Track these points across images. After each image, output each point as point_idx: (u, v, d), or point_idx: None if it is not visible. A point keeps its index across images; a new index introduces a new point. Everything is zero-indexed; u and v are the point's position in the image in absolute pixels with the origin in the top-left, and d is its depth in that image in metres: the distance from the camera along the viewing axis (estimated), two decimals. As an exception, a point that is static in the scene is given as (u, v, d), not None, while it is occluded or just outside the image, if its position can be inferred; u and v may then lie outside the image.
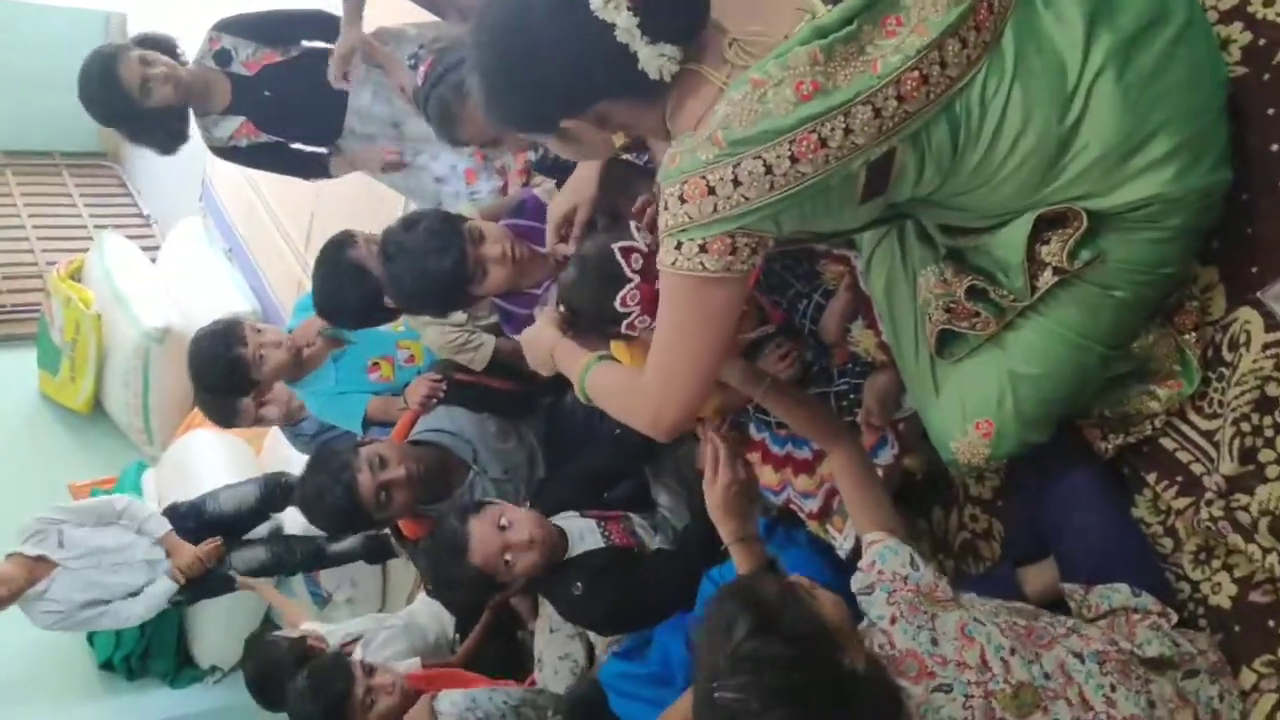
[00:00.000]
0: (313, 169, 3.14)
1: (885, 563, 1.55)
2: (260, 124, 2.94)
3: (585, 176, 1.97)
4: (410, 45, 2.81)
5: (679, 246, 1.35)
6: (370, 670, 2.71)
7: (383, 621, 3.26)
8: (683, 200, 1.32)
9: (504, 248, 2.23)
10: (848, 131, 1.28)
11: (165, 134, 2.88)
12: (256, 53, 2.91)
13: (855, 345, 1.98)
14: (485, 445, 2.78)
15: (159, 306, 5.10)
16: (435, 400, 2.80)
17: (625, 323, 1.77)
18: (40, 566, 3.53)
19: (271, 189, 5.05)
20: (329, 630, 3.23)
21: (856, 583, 1.57)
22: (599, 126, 1.41)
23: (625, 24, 1.28)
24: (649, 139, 1.44)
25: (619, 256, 1.76)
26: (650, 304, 1.76)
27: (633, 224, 1.84)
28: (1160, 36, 1.36)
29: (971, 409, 1.60)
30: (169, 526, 3.67)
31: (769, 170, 1.28)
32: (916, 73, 1.28)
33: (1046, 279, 1.46)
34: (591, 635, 2.67)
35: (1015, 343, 1.55)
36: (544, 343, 1.82)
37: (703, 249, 1.34)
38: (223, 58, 2.87)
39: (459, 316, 2.68)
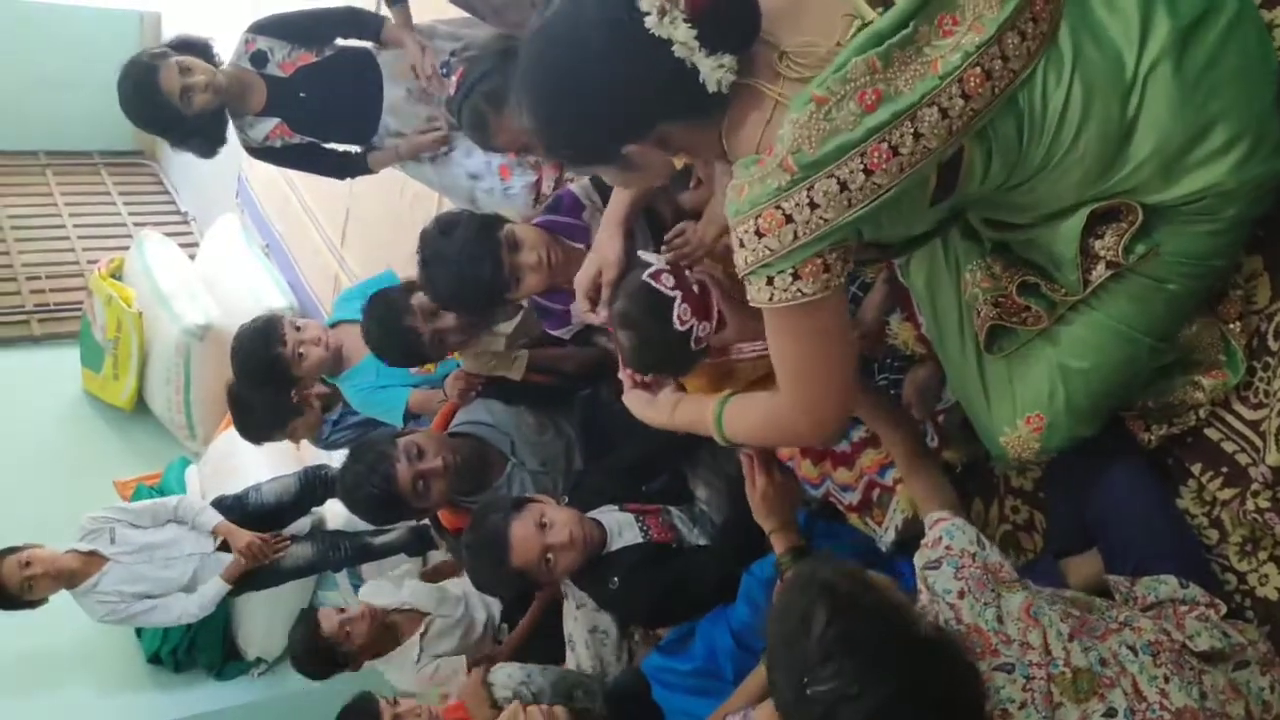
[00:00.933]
0: (347, 169, 3.16)
1: (952, 539, 1.55)
2: (295, 125, 2.96)
3: (606, 238, 1.96)
4: (442, 42, 2.82)
5: (770, 281, 1.34)
6: (395, 703, 2.73)
7: (441, 604, 3.26)
8: (760, 234, 1.31)
9: (540, 254, 2.26)
10: (918, 136, 1.26)
11: (205, 139, 2.92)
12: (292, 54, 2.92)
13: (894, 338, 1.97)
14: (523, 437, 2.80)
15: (199, 304, 5.17)
16: (474, 393, 2.83)
17: (694, 340, 1.78)
18: (93, 561, 3.64)
19: (307, 186, 5.09)
20: (387, 602, 3.24)
21: (920, 558, 1.56)
22: (660, 149, 1.40)
23: (684, 37, 1.26)
24: (697, 159, 1.42)
25: (654, 285, 1.78)
26: (700, 308, 1.79)
27: (641, 252, 1.86)
28: (1214, 26, 1.34)
29: (1021, 403, 1.59)
30: (220, 518, 3.74)
31: (844, 187, 1.27)
32: (979, 69, 1.26)
33: (1099, 273, 1.45)
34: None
35: (1066, 337, 1.55)
36: (663, 412, 1.80)
37: (796, 276, 1.32)
38: (259, 59, 2.89)
39: (496, 343, 2.73)
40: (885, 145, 1.25)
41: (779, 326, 1.41)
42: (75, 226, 6.78)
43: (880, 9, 1.29)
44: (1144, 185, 1.38)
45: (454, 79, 2.26)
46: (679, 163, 1.42)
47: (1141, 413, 1.71)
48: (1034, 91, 1.32)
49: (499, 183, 2.98)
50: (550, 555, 2.27)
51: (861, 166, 1.26)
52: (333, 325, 3.28)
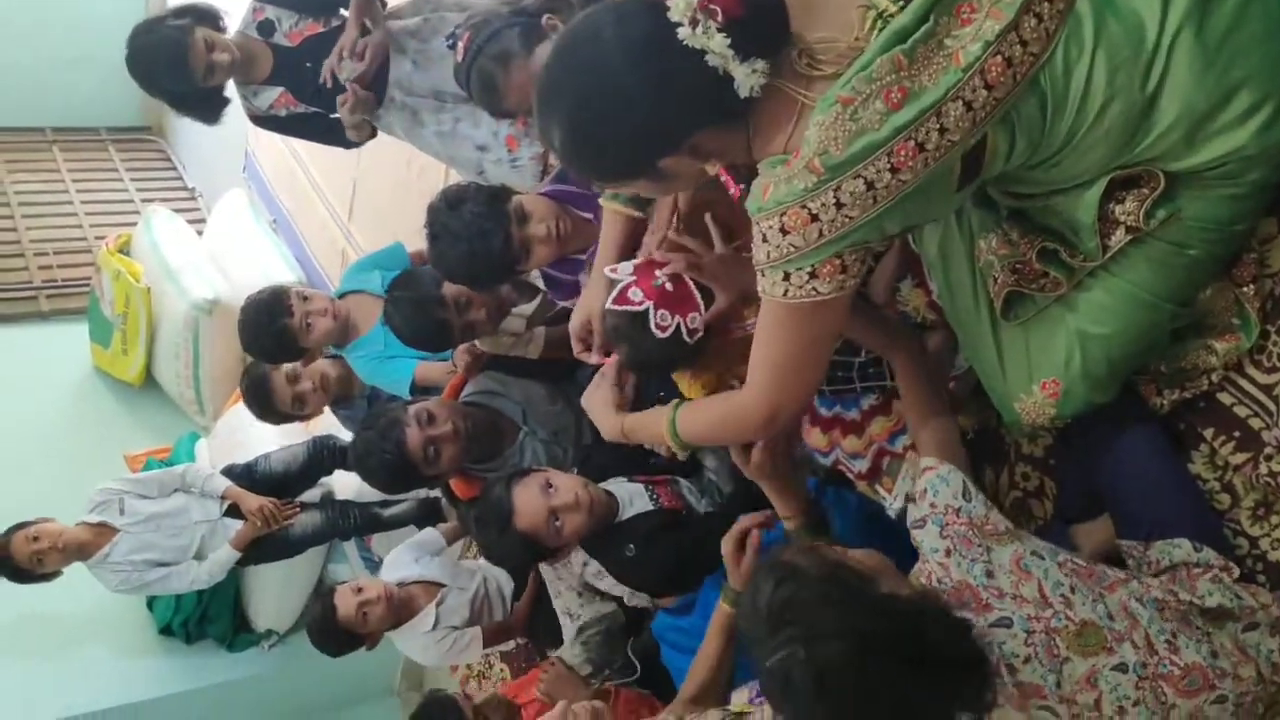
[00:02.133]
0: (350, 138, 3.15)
1: (937, 494, 1.54)
2: (299, 95, 2.96)
3: (593, 288, 1.99)
4: (449, 13, 2.80)
5: (787, 278, 1.36)
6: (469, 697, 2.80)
7: (457, 576, 3.27)
8: (784, 231, 1.32)
9: (549, 226, 2.27)
10: (943, 131, 1.26)
11: (212, 106, 2.92)
12: (299, 23, 2.92)
13: (904, 305, 1.97)
14: (533, 407, 2.81)
15: (207, 278, 5.17)
16: (482, 364, 2.83)
17: (688, 334, 1.80)
18: (104, 532, 3.68)
19: (313, 159, 5.07)
20: (403, 577, 3.26)
21: (910, 515, 1.57)
22: (693, 157, 1.39)
23: (718, 47, 1.26)
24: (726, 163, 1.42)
25: (621, 309, 1.81)
26: (678, 303, 1.81)
27: (606, 270, 1.90)
28: None
29: (1038, 369, 1.59)
30: (229, 483, 3.76)
31: (870, 186, 1.27)
32: (999, 57, 1.25)
33: (1119, 238, 1.45)
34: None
35: (1084, 303, 1.54)
36: (613, 428, 1.85)
37: (813, 275, 1.34)
38: (266, 28, 2.89)
39: (516, 325, 2.74)
40: (911, 143, 1.25)
41: (780, 319, 1.42)
42: (83, 203, 6.78)
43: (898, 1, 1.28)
44: (1167, 153, 1.37)
45: (460, 45, 2.24)
46: (712, 169, 1.41)
47: (1153, 377, 1.71)
48: (1055, 70, 1.31)
49: (506, 154, 2.96)
50: (558, 518, 2.27)
51: (888, 165, 1.26)
52: (340, 296, 3.28)
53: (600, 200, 2.06)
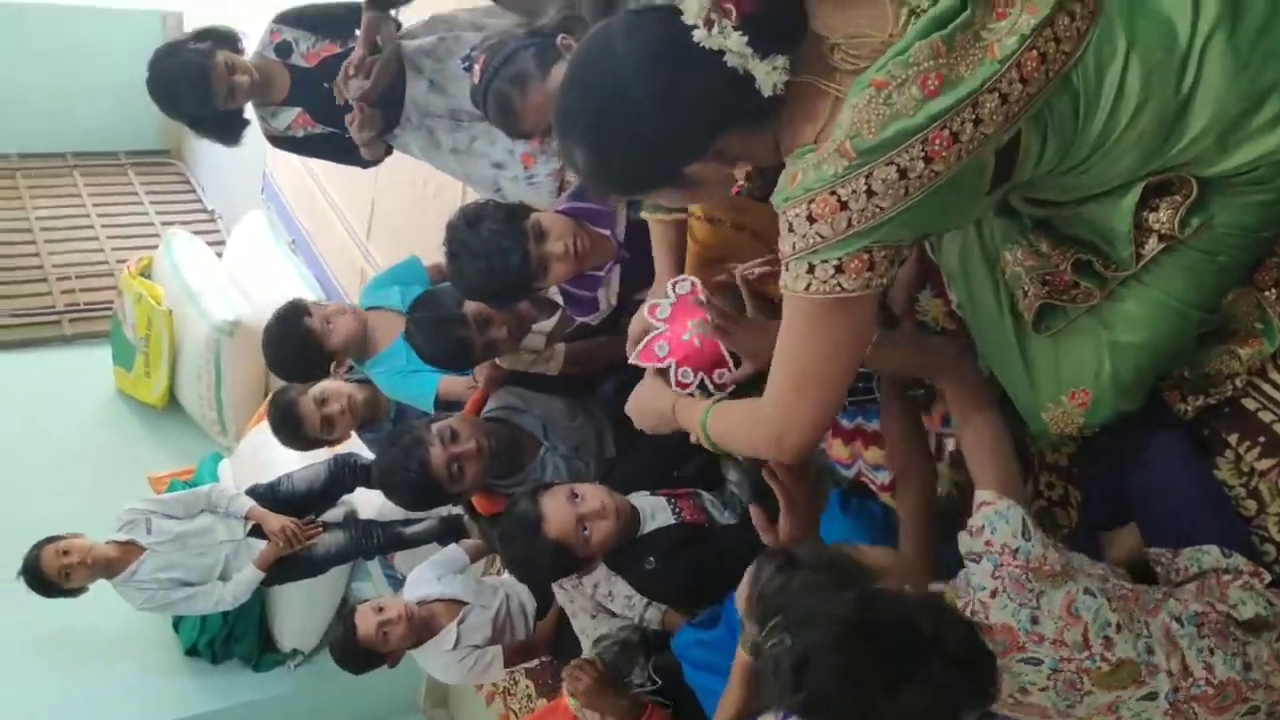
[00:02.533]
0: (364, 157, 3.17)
1: (994, 532, 1.48)
2: (317, 115, 2.98)
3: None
4: (464, 32, 2.82)
5: (811, 270, 1.31)
6: None
7: (480, 594, 3.28)
8: (812, 219, 1.28)
9: (566, 244, 2.29)
10: (977, 122, 1.24)
11: (231, 127, 2.95)
12: (316, 44, 2.94)
13: (923, 314, 1.97)
14: (554, 423, 2.81)
15: (228, 300, 5.20)
16: (503, 379, 2.84)
17: (715, 386, 1.76)
18: (130, 550, 3.71)
19: (331, 180, 5.11)
20: (425, 595, 3.26)
21: (963, 545, 1.52)
22: (719, 162, 1.37)
23: (736, 46, 1.25)
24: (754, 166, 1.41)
25: (643, 364, 1.81)
26: (704, 359, 1.77)
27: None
28: None
29: (1067, 379, 1.58)
30: (252, 503, 3.79)
31: (903, 175, 1.24)
32: (1034, 52, 1.24)
33: (1152, 246, 1.44)
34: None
35: (1115, 312, 1.53)
36: (663, 404, 1.77)
37: (839, 269, 1.30)
38: (283, 50, 2.91)
39: (537, 342, 2.76)
40: (946, 132, 1.23)
41: (801, 317, 1.38)
42: (104, 226, 6.84)
43: None
44: (1200, 158, 1.36)
45: (476, 68, 2.26)
46: (740, 174, 1.38)
47: (1177, 383, 1.70)
48: (1087, 70, 1.30)
49: (522, 171, 2.98)
50: (586, 526, 2.27)
51: (922, 154, 1.24)
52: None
53: (642, 214, 2.07)
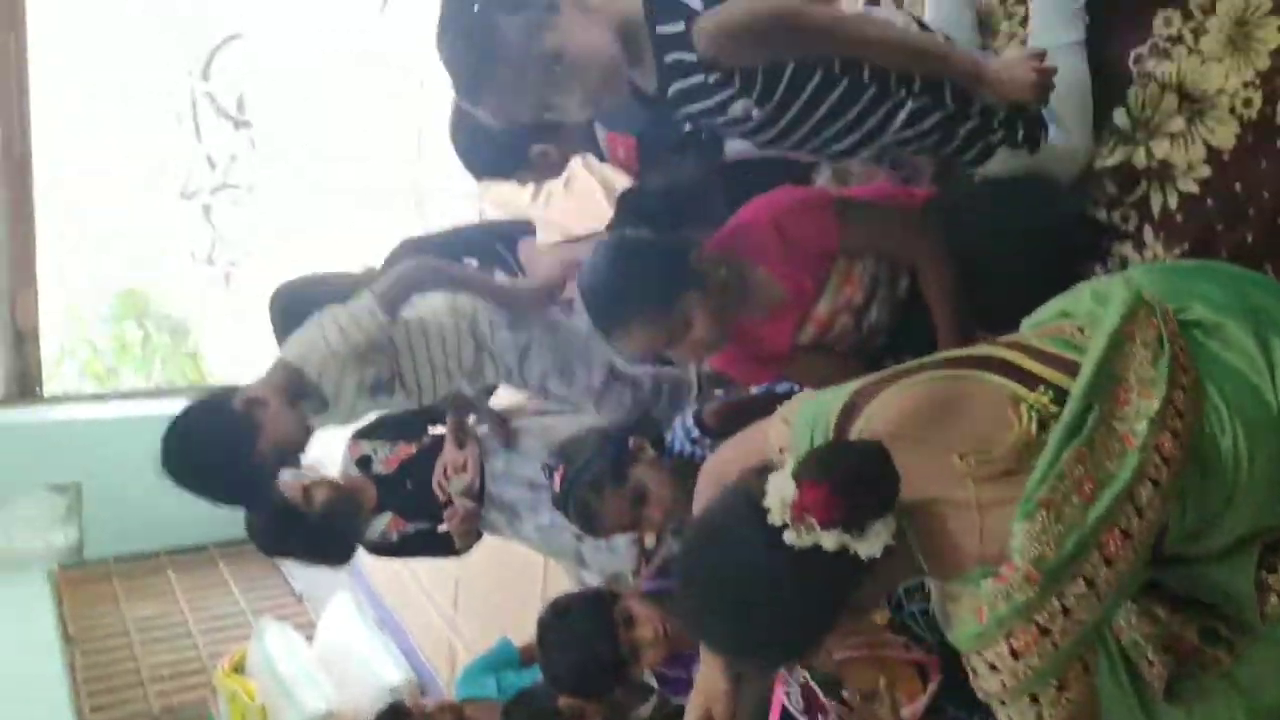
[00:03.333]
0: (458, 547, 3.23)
1: None
2: (406, 515, 3.08)
3: (712, 674, 1.91)
4: (531, 440, 2.96)
5: (1035, 699, 1.28)
6: None
7: None
8: (1017, 655, 1.26)
9: (655, 628, 2.31)
10: (1139, 512, 1.25)
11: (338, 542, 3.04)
12: (393, 449, 3.09)
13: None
14: None
15: (320, 690, 5.17)
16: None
17: None
18: None
19: (416, 559, 5.19)
20: None
21: None
22: (856, 615, 1.38)
23: (830, 543, 1.23)
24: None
25: None
26: None
27: None
28: None
29: None
30: None
31: (1091, 584, 1.24)
32: (1166, 431, 1.26)
33: (1274, 605, 1.40)
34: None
35: (1245, 676, 1.48)
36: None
37: (1061, 688, 1.27)
38: (364, 463, 3.06)
39: None
40: (1116, 530, 1.24)
41: None
42: (196, 621, 6.92)
43: (1041, 387, 1.29)
44: None
45: (556, 477, 2.37)
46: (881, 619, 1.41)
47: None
48: (1204, 440, 1.31)
49: (603, 540, 3.02)
50: None
51: (1101, 559, 1.24)
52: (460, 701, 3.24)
53: None
